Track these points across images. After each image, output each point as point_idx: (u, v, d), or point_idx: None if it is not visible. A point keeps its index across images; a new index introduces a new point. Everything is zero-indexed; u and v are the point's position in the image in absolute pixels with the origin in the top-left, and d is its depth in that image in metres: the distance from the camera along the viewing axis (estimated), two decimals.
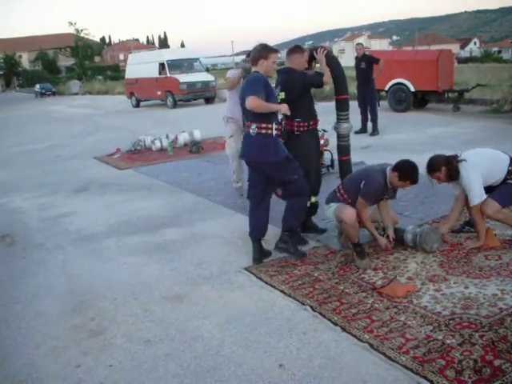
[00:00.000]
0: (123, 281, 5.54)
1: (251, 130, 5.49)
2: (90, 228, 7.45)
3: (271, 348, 4.03)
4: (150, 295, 5.14)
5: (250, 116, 5.51)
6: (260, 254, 5.80)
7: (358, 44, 14.91)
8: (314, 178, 6.19)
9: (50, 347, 4.34)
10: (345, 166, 6.37)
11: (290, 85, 5.96)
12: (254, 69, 5.58)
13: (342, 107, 6.22)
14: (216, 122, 19.24)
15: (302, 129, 6.06)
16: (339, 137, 6.32)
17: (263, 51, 5.53)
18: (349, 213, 5.42)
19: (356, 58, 14.27)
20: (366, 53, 14.71)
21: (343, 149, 6.36)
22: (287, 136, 6.04)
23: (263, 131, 5.44)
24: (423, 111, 17.50)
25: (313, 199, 6.31)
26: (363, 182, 5.48)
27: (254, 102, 5.26)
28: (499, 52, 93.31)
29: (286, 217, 5.84)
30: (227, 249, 6.21)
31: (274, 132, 5.46)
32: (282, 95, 5.96)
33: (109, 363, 4.03)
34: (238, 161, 8.28)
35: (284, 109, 5.49)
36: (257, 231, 5.85)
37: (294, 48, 6.16)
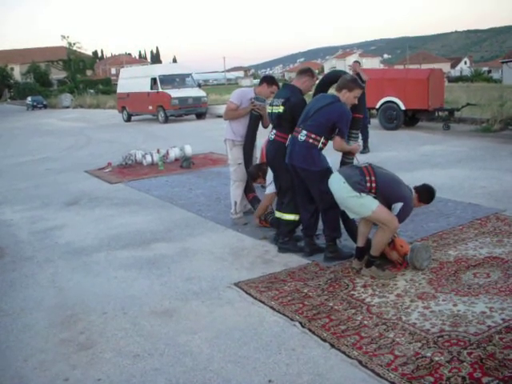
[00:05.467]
0: (113, 295, 5.53)
1: (300, 136, 5.84)
2: (80, 242, 7.43)
3: (260, 364, 4.03)
4: (139, 310, 5.13)
5: (304, 124, 5.88)
6: (311, 249, 6.21)
7: (355, 62, 14.97)
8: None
9: (38, 360, 4.32)
10: None
11: (292, 107, 6.23)
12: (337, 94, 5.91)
13: (354, 126, 6.27)
14: (207, 137, 19.37)
15: None
16: (346, 154, 6.36)
17: (350, 83, 5.88)
18: (397, 222, 5.40)
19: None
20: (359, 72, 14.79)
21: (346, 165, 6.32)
22: (279, 148, 6.33)
23: (310, 141, 5.78)
24: (414, 129, 17.58)
25: (297, 218, 6.44)
26: (402, 205, 5.38)
27: (340, 145, 5.86)
28: (489, 72, 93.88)
29: (325, 229, 6.10)
30: (217, 264, 6.22)
31: (320, 145, 5.83)
32: (281, 109, 6.29)
33: (97, 377, 4.02)
34: (242, 189, 7.84)
35: (355, 149, 6.18)
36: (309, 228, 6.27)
37: (307, 70, 6.53)
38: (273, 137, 6.53)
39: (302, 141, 5.82)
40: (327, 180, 5.66)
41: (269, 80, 7.43)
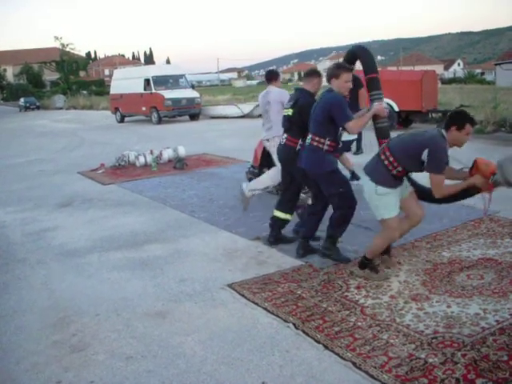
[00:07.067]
0: (106, 296, 5.51)
1: (307, 139, 5.87)
2: (73, 243, 7.40)
3: (254, 365, 4.02)
4: (132, 311, 5.11)
5: (310, 127, 5.90)
6: (305, 250, 6.24)
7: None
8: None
9: (30, 363, 4.30)
10: None
11: (300, 108, 6.22)
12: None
13: (373, 87, 6.09)
14: (201, 138, 19.36)
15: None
16: (376, 120, 5.96)
17: (334, 70, 5.77)
18: (422, 214, 5.39)
19: None
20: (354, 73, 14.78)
21: (381, 131, 5.96)
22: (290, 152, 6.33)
23: (315, 144, 5.75)
24: (407, 131, 17.58)
25: (289, 217, 6.59)
26: (427, 151, 4.87)
27: (354, 124, 5.68)
28: (482, 74, 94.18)
29: (329, 226, 6.04)
30: (210, 265, 6.20)
31: (326, 147, 5.73)
32: (290, 112, 6.33)
33: (90, 379, 4.00)
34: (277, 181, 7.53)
35: (380, 109, 5.86)
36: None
37: (314, 72, 6.50)
38: (284, 141, 6.48)
39: (308, 144, 5.85)
40: (336, 181, 5.74)
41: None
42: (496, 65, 62.19)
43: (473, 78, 73.55)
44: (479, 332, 4.22)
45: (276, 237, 6.72)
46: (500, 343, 4.03)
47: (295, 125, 6.30)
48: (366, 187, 5.26)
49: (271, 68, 8.06)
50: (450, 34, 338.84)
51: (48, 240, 7.67)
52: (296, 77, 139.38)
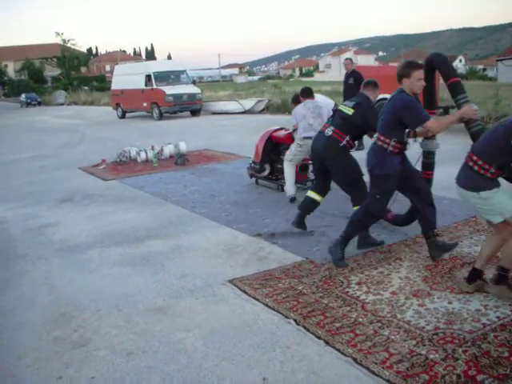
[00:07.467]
0: (107, 292, 5.51)
1: (373, 138, 5.72)
2: (74, 239, 7.41)
3: (255, 361, 4.02)
4: (133, 307, 5.11)
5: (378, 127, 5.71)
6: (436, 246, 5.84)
7: (346, 59, 14.94)
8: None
9: (31, 359, 4.30)
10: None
11: (363, 111, 6.32)
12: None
13: (457, 91, 5.63)
14: (202, 134, 19.35)
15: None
16: (469, 123, 5.45)
17: (404, 69, 5.52)
18: None
19: (346, 73, 14.34)
20: (355, 69, 14.74)
21: (477, 134, 5.30)
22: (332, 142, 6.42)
23: (379, 143, 5.56)
24: None
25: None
26: None
27: (435, 124, 5.38)
28: (484, 70, 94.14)
29: (349, 222, 5.92)
30: (211, 261, 6.20)
31: (391, 148, 5.49)
32: (350, 112, 6.36)
33: (91, 375, 4.00)
34: None
35: (469, 112, 5.30)
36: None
37: (375, 83, 6.57)
38: (330, 133, 6.44)
39: (373, 143, 5.66)
40: (384, 187, 5.61)
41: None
42: (498, 61, 62.17)
43: (474, 74, 73.54)
44: (480, 328, 4.22)
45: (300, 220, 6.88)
46: (501, 339, 4.02)
47: (350, 124, 6.37)
48: (471, 200, 4.73)
49: (308, 86, 8.86)
50: (451, 29, 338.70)
51: (49, 236, 7.67)
52: (297, 73, 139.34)
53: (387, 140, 5.48)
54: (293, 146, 8.65)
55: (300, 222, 6.87)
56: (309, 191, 7.01)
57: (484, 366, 3.68)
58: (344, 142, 6.32)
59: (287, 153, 8.83)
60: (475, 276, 4.88)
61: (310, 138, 8.24)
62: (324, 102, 9.06)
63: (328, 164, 6.51)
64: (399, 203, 6.33)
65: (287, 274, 5.63)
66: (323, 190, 6.85)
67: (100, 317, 4.95)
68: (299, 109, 8.58)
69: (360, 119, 6.28)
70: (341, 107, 6.60)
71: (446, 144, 13.55)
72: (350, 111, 6.37)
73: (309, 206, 6.87)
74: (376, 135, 5.65)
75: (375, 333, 4.27)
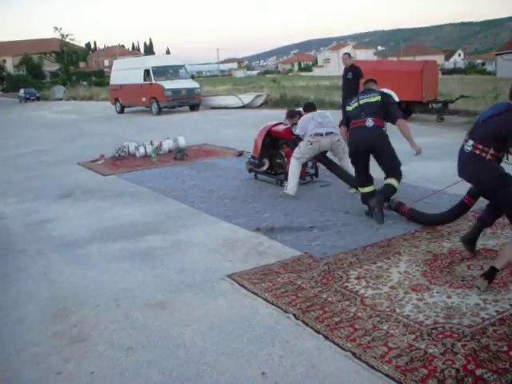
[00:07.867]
0: (106, 287, 5.51)
1: (466, 146, 5.34)
2: (73, 234, 7.40)
3: (254, 356, 4.02)
4: (132, 302, 5.11)
5: (472, 134, 5.35)
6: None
7: (344, 54, 14.93)
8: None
9: (30, 354, 4.30)
10: None
11: (386, 98, 7.45)
12: None
13: None
14: (201, 129, 19.33)
15: None
16: None
17: None
18: None
19: (344, 67, 14.34)
20: (353, 63, 14.71)
21: None
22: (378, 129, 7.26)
23: (477, 152, 5.21)
24: (407, 121, 17.51)
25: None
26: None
27: None
28: (483, 64, 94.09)
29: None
30: (210, 256, 6.20)
31: (489, 157, 5.16)
32: (379, 98, 7.33)
33: (90, 370, 4.00)
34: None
35: None
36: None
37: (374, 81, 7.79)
38: (371, 123, 7.12)
39: (468, 151, 5.27)
40: (510, 182, 5.20)
41: None
42: (497, 55, 62.14)
43: (473, 68, 73.58)
44: (479, 322, 4.22)
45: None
46: (500, 333, 4.03)
47: (382, 111, 7.24)
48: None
49: (311, 102, 9.15)
50: (450, 24, 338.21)
51: (48, 231, 7.66)
52: (296, 67, 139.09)
53: (486, 149, 5.13)
54: (302, 144, 8.55)
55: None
56: (364, 188, 7.42)
57: (483, 360, 3.68)
58: (385, 128, 7.33)
59: (295, 150, 8.66)
60: (493, 276, 4.79)
61: (320, 134, 8.32)
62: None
63: (379, 150, 7.24)
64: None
65: (286, 268, 5.63)
66: (371, 180, 7.44)
67: (99, 312, 4.95)
68: (304, 117, 8.78)
69: (385, 105, 7.25)
70: (366, 99, 7.29)
71: (445, 138, 13.59)
72: (378, 98, 7.27)
73: (387, 192, 7.18)
74: (471, 142, 5.25)
75: (374, 327, 4.27)
